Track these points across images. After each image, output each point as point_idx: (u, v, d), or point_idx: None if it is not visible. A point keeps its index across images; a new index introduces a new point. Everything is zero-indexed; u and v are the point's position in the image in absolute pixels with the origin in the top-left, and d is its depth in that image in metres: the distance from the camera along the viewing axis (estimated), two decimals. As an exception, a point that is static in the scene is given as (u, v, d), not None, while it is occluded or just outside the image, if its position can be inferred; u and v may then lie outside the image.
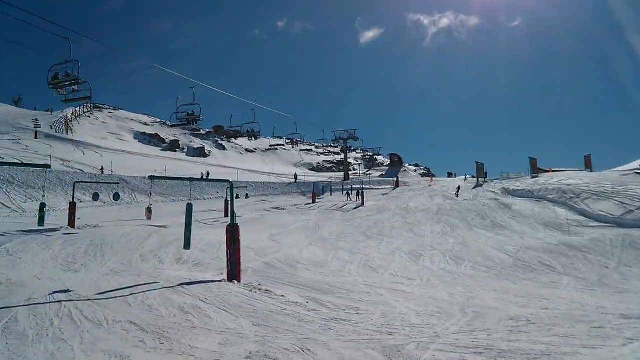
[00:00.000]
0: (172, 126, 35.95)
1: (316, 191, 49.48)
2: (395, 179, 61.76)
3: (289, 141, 62.53)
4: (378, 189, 56.39)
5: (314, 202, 43.97)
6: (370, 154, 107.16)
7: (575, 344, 7.03)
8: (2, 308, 8.35)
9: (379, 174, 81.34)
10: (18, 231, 20.30)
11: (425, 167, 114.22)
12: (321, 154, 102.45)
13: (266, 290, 10.65)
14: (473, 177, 64.00)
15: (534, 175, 50.93)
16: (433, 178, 73.26)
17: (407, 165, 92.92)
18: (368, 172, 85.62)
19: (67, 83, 19.44)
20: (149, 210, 28.50)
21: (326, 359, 6.20)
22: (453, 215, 31.19)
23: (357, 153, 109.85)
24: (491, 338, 7.36)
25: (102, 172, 45.75)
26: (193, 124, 36.72)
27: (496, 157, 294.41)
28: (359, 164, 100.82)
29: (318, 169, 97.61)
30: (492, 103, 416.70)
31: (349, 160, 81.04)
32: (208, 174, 49.30)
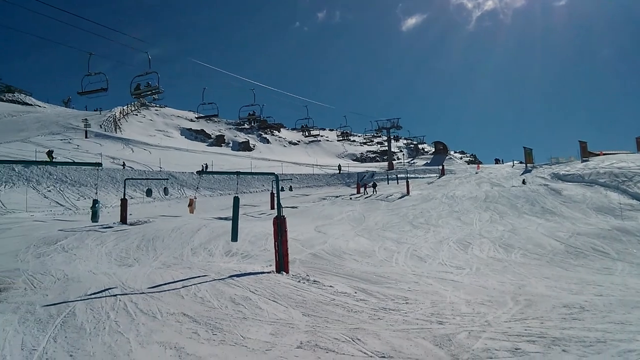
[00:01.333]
0: (199, 118, 37.01)
1: (360, 182, 49.37)
2: (440, 167, 60.89)
3: (338, 133, 62.63)
4: (423, 177, 55.77)
5: (358, 192, 43.89)
6: (414, 142, 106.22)
7: (631, 330, 6.87)
8: (61, 303, 8.68)
9: (424, 162, 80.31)
10: (72, 228, 21.00)
11: (472, 154, 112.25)
12: (364, 144, 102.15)
13: (314, 281, 10.76)
14: (521, 162, 62.70)
15: (584, 159, 49.42)
16: (480, 165, 72.15)
17: (452, 152, 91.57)
18: (412, 161, 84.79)
19: (148, 93, 22.03)
20: (190, 203, 28.86)
21: (376, 348, 6.23)
22: (501, 202, 30.67)
23: (400, 142, 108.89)
24: (544, 326, 7.26)
25: (124, 167, 46.27)
26: (254, 123, 39.39)
27: (545, 142, 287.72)
28: (403, 153, 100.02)
29: (362, 159, 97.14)
30: (540, 86, 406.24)
31: (392, 149, 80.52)
32: (206, 166, 49.50)
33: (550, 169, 48.48)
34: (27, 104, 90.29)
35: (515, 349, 6.12)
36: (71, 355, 6.08)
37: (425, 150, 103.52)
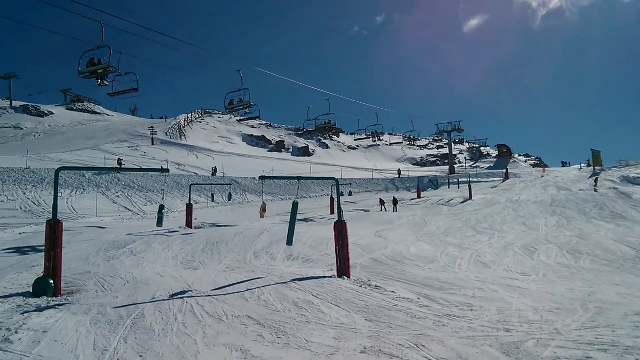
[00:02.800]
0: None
1: (421, 186, 48.86)
2: (504, 170, 59.57)
3: (402, 137, 62.46)
4: (486, 181, 54.69)
5: (419, 197, 43.42)
6: (477, 145, 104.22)
7: None
8: (130, 305, 8.97)
9: (487, 166, 78.78)
10: (140, 233, 21.70)
11: (537, 157, 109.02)
12: (425, 147, 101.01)
13: (376, 286, 10.70)
14: (589, 165, 60.55)
15: (656, 161, 47.34)
16: (546, 168, 70.09)
17: (516, 156, 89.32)
18: (475, 165, 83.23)
19: (240, 107, 24.05)
20: (263, 208, 29.21)
21: (442, 356, 6.15)
22: (569, 207, 29.70)
23: (462, 145, 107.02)
24: (616, 334, 6.98)
25: (214, 174, 47.72)
26: (327, 131, 41.67)
27: (614, 144, 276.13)
28: (465, 157, 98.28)
29: (422, 163, 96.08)
30: (608, 87, 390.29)
31: (454, 153, 79.27)
32: (215, 169, 49.54)
33: (620, 172, 46.68)
34: (96, 112, 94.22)
35: (587, 358, 5.92)
36: (141, 356, 6.27)
37: (488, 153, 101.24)
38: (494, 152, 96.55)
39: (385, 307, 8.84)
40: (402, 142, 74.39)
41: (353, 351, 6.34)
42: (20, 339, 6.68)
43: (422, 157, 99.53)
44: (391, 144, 76.64)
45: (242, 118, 27.61)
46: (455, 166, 74.06)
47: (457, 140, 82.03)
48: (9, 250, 17.68)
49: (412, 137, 54.97)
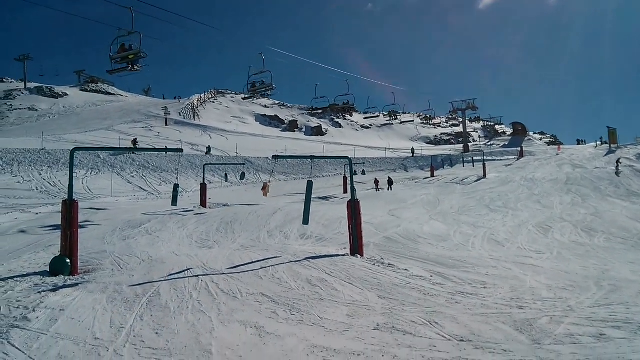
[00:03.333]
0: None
1: (434, 164, 48.67)
2: (519, 148, 59.09)
3: (417, 116, 62.07)
4: (500, 159, 54.31)
5: (432, 176, 43.27)
6: (491, 123, 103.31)
7: None
8: (146, 283, 9.07)
9: (501, 144, 78.14)
10: (155, 212, 21.89)
11: (552, 135, 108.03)
12: (438, 126, 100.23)
13: (389, 264, 10.73)
14: (605, 143, 59.88)
15: (672, 138, 46.74)
16: (561, 146, 69.42)
17: (531, 134, 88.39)
18: (489, 143, 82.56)
19: (263, 89, 24.97)
20: (264, 187, 29.34)
21: (455, 332, 6.17)
22: (584, 185, 29.45)
23: (477, 123, 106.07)
24: (630, 312, 6.97)
25: (208, 153, 47.31)
26: (345, 111, 42.61)
27: (630, 122, 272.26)
28: (479, 135, 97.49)
29: (435, 142, 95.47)
30: (624, 63, 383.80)
31: (468, 131, 78.70)
32: (209, 148, 49.07)
33: (636, 149, 46.12)
34: (110, 93, 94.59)
35: (600, 335, 5.91)
36: (157, 333, 6.35)
37: (503, 131, 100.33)
38: (508, 130, 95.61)
39: (398, 284, 8.87)
40: (413, 121, 73.58)
41: (366, 328, 6.39)
42: (37, 317, 6.78)
43: (435, 136, 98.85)
44: (402, 122, 75.66)
45: (246, 97, 28.34)
46: (470, 144, 73.51)
47: (471, 119, 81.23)
48: (25, 230, 17.96)
49: (428, 115, 54.39)
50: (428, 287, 8.72)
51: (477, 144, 79.41)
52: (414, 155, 59.93)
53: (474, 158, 53.38)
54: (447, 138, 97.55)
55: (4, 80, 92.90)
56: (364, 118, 65.76)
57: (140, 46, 17.85)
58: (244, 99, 59.74)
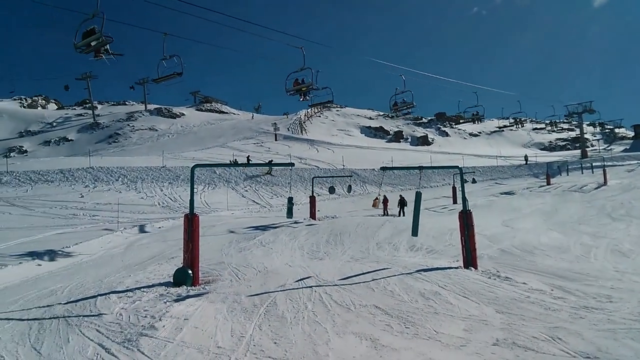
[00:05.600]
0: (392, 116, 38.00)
1: (550, 172, 46.43)
2: (643, 153, 55.09)
3: (513, 121, 59.77)
4: (622, 165, 50.78)
5: (548, 184, 41.29)
6: (610, 127, 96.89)
7: None
8: (263, 293, 9.39)
9: (622, 148, 73.14)
10: (268, 224, 22.61)
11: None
12: (553, 131, 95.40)
13: (506, 277, 10.35)
14: None
15: None
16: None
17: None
18: (608, 148, 77.49)
19: (404, 107, 24.54)
20: (376, 200, 29.24)
21: (580, 348, 5.87)
22: None
23: (594, 127, 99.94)
24: None
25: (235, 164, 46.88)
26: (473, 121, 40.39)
27: None
28: (597, 139, 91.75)
29: (550, 148, 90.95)
30: None
31: (585, 135, 74.30)
32: (236, 160, 47.37)
33: None
34: (223, 112, 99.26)
35: None
36: (275, 343, 6.56)
37: (624, 135, 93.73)
38: (630, 133, 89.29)
39: (517, 298, 8.55)
40: (510, 126, 69.62)
41: (485, 343, 6.22)
42: (164, 326, 7.22)
43: (550, 142, 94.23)
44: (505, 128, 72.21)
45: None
46: (588, 150, 69.40)
47: (588, 123, 76.67)
48: (149, 243, 19.21)
49: (552, 121, 51.88)
50: (549, 302, 8.33)
51: (595, 149, 74.86)
52: (528, 162, 57.50)
53: (593, 164, 50.31)
54: (563, 143, 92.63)
55: (127, 102, 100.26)
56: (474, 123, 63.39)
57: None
58: (388, 117, 59.90)
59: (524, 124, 64.00)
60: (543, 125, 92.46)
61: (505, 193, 37.73)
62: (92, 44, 15.68)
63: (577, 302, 8.33)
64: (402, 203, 28.23)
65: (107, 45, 16.04)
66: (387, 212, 29.10)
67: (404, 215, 27.15)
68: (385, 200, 29.58)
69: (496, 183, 47.19)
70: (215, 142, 64.30)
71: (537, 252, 14.78)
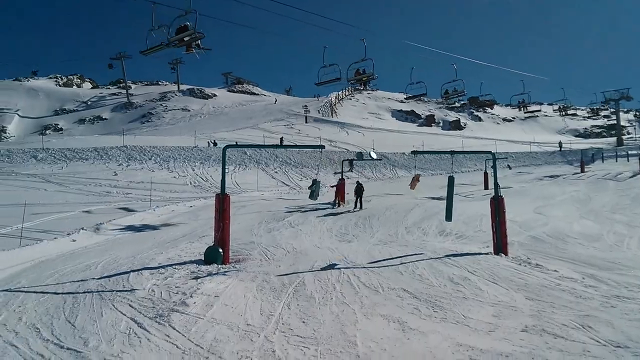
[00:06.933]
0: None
1: (584, 159, 45.51)
2: (682, 141, 53.53)
3: (555, 108, 58.47)
4: (661, 153, 49.52)
5: (582, 171, 40.51)
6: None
7: None
8: (292, 273, 9.50)
9: (660, 135, 71.20)
10: (297, 206, 22.77)
11: None
12: (588, 118, 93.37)
13: (537, 265, 10.25)
14: None
15: None
16: None
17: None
18: (646, 135, 75.44)
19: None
20: (416, 179, 28.98)
21: (611, 338, 5.82)
22: None
23: (631, 114, 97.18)
24: None
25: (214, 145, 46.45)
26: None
27: None
28: (633, 127, 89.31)
29: (585, 134, 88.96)
30: None
31: (621, 122, 72.42)
32: (215, 142, 46.53)
33: None
34: (254, 93, 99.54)
35: None
36: (303, 322, 6.65)
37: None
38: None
39: (547, 286, 8.47)
40: (539, 110, 67.30)
41: (514, 329, 6.20)
42: (195, 302, 7.37)
43: (585, 129, 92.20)
44: (539, 113, 70.46)
45: (370, 89, 27.55)
46: (624, 137, 67.72)
47: (625, 110, 74.69)
48: (181, 222, 19.53)
49: (564, 106, 50.57)
50: (580, 290, 8.23)
51: (632, 137, 73.02)
52: (562, 149, 56.45)
53: (629, 152, 49.12)
54: (598, 131, 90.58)
55: (160, 82, 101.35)
56: (520, 110, 61.53)
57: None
58: (438, 103, 59.18)
59: (567, 111, 62.06)
60: (578, 112, 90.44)
61: (550, 177, 37.23)
62: (185, 39, 16.67)
63: (608, 291, 8.22)
64: (359, 192, 22.29)
65: (199, 41, 17.03)
66: (338, 202, 23.50)
67: (361, 207, 21.67)
68: (342, 187, 23.94)
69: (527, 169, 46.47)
70: (246, 123, 64.69)
71: (569, 240, 14.59)
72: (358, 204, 21.81)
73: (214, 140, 46.01)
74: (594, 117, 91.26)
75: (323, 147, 13.41)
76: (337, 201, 23.59)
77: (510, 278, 9.00)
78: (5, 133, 70.83)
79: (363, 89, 24.97)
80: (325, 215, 19.61)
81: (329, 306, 7.35)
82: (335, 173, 36.61)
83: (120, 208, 23.44)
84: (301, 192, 31.93)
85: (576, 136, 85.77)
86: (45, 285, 9.14)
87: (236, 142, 40.16)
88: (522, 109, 50.53)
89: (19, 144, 49.83)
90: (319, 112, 76.04)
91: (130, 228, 18.61)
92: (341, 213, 20.33)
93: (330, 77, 21.74)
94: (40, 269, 11.20)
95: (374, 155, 36.67)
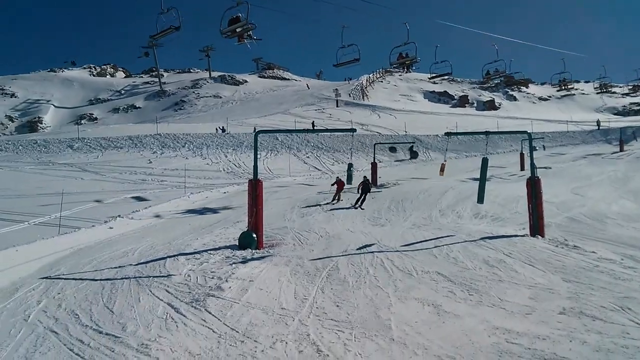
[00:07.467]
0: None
1: (624, 137, 44.30)
2: None
3: (595, 85, 56.98)
4: None
5: (621, 150, 39.48)
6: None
7: None
8: (325, 257, 9.53)
9: None
10: (329, 190, 22.75)
11: None
12: (627, 95, 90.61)
13: (574, 246, 10.06)
14: None
15: None
16: None
17: None
18: (690, 113, 73.01)
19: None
20: (442, 168, 28.70)
21: (653, 320, 5.67)
22: None
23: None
24: None
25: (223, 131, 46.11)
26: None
27: None
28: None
29: (624, 112, 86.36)
30: None
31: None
32: (223, 128, 45.53)
33: None
34: (285, 78, 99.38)
35: None
36: (337, 306, 6.68)
37: None
38: None
39: (585, 267, 8.31)
40: (589, 91, 65.78)
41: (551, 312, 6.11)
42: (230, 287, 7.47)
43: (624, 106, 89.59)
44: (576, 91, 68.61)
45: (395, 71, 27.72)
46: (665, 115, 65.60)
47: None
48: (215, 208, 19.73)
49: (604, 84, 49.13)
50: (619, 271, 8.06)
51: (674, 114, 70.71)
52: (600, 127, 55.01)
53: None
54: (638, 108, 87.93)
55: (191, 70, 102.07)
56: (558, 90, 60.01)
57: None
58: (471, 83, 58.47)
59: (610, 88, 60.16)
60: (617, 89, 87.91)
61: (587, 156, 36.47)
62: (237, 30, 17.24)
63: (649, 273, 8.03)
64: (365, 189, 19.09)
65: (251, 31, 17.61)
66: (338, 198, 20.28)
67: (361, 207, 18.23)
68: (341, 184, 20.49)
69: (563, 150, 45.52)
70: (277, 108, 64.67)
71: (607, 220, 14.29)
72: (359, 202, 18.55)
73: (222, 127, 46.11)
74: (632, 95, 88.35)
75: (354, 130, 13.37)
76: (337, 197, 20.63)
77: (547, 260, 8.86)
78: (42, 124, 72.31)
79: (406, 72, 25.61)
80: (367, 199, 19.53)
81: (362, 290, 7.36)
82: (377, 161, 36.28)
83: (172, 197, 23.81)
84: (333, 177, 31.93)
85: (614, 114, 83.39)
86: (84, 272, 9.38)
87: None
88: (562, 87, 49.38)
89: (55, 134, 50.86)
90: (350, 96, 75.51)
91: (165, 215, 18.86)
92: (375, 196, 20.18)
93: (348, 58, 21.62)
94: (78, 257, 11.48)
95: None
